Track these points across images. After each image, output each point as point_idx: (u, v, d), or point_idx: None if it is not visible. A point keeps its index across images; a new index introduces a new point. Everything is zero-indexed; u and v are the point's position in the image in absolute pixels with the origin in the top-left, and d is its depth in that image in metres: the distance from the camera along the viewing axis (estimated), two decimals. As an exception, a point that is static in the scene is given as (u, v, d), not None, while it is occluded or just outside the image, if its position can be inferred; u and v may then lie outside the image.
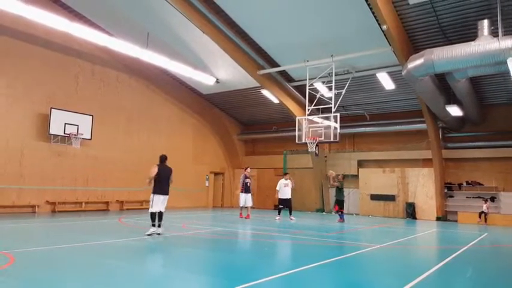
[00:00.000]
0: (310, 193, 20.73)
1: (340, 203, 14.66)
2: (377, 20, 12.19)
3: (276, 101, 18.80)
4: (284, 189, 14.76)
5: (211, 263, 6.79)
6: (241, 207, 15.07)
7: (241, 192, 14.94)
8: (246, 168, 15.59)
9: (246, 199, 14.85)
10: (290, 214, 14.77)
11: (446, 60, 10.85)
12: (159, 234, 8.94)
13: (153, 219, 8.93)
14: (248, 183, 15.02)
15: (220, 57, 16.27)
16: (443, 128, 17.72)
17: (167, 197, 9.17)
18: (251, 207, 15.26)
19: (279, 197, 14.80)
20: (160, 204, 9.03)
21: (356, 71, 15.91)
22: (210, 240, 9.35)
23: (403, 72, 12.24)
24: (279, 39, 15.00)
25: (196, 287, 5.06)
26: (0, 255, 6.14)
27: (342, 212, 14.61)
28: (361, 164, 20.19)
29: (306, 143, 14.28)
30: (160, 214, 9.03)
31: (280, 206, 14.81)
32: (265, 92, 18.56)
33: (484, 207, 15.71)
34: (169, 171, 9.29)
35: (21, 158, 14.34)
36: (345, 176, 15.61)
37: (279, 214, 14.67)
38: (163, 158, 9.38)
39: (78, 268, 5.67)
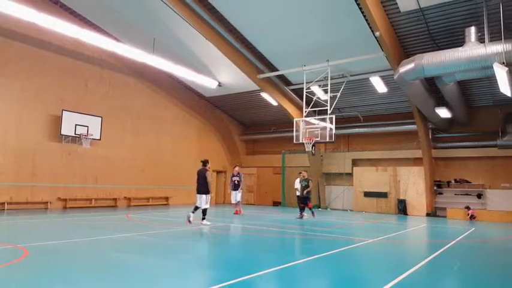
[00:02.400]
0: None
1: (306, 200, 13.93)
2: (370, 27, 12.20)
3: (275, 103, 18.81)
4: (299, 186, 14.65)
5: (212, 256, 6.80)
6: (235, 203, 15.18)
7: (231, 190, 15.21)
8: (234, 167, 15.74)
9: (236, 196, 15.01)
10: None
11: (436, 65, 10.87)
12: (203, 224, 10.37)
13: (203, 213, 10.49)
14: (236, 181, 15.06)
15: (222, 62, 16.27)
16: (433, 129, 17.72)
17: (202, 196, 10.50)
18: (238, 203, 15.06)
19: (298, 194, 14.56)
20: (198, 201, 10.55)
21: (350, 75, 15.92)
22: (211, 234, 9.36)
23: (395, 76, 12.26)
24: (277, 45, 15.01)
25: (199, 279, 5.07)
26: (15, 249, 6.16)
27: (309, 208, 13.91)
28: (355, 163, 20.19)
29: (303, 143, 14.28)
30: (196, 208, 10.44)
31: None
32: (265, 95, 18.57)
33: (470, 212, 15.78)
34: (201, 173, 10.69)
35: (35, 157, 14.36)
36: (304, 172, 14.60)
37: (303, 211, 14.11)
38: (202, 163, 10.93)
39: (89, 261, 5.69)
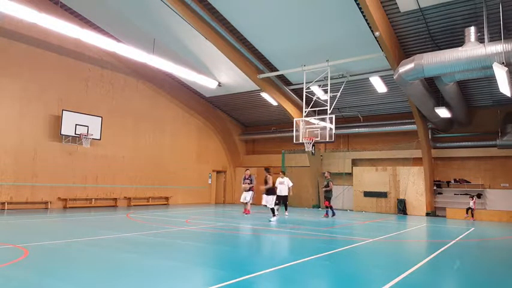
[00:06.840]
0: (307, 190, 20.73)
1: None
2: (370, 27, 12.19)
3: (275, 103, 18.80)
4: (279, 186, 14.59)
5: (212, 256, 6.79)
6: (244, 202, 14.79)
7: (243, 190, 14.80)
8: (246, 170, 15.29)
9: (246, 196, 14.64)
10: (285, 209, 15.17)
11: (435, 65, 10.86)
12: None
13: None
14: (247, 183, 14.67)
15: (222, 62, 16.27)
16: (432, 129, 17.72)
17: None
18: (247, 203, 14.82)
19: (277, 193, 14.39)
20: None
21: (350, 75, 15.91)
22: (210, 234, 9.34)
23: (395, 77, 12.25)
24: (277, 45, 15.00)
25: (199, 278, 5.06)
26: (15, 249, 6.15)
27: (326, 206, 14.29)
28: (355, 162, 20.19)
29: (303, 143, 14.27)
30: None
31: (277, 202, 13.86)
32: (265, 95, 18.56)
33: (471, 204, 15.72)
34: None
35: (35, 157, 14.35)
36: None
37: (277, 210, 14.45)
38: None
39: (90, 261, 5.67)
